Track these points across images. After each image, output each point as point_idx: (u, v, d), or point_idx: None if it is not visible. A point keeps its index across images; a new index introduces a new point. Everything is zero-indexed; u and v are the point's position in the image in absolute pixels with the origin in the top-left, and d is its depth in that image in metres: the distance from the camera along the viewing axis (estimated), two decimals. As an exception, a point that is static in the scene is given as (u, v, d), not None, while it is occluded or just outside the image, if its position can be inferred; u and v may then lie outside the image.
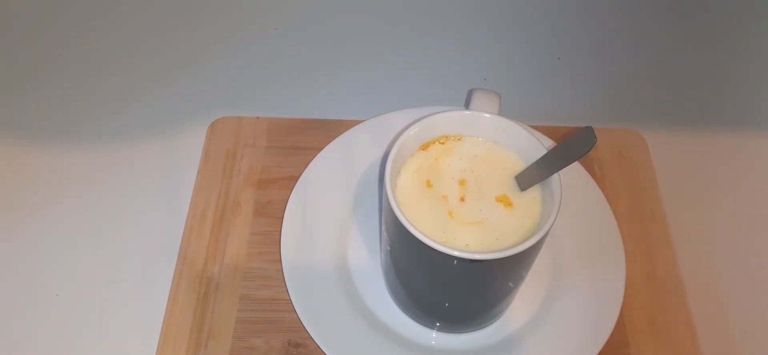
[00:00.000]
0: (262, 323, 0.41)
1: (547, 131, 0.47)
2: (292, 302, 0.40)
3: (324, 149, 0.47)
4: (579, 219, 0.44)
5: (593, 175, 0.47)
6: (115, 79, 0.57)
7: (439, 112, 0.38)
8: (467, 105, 0.39)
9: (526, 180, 0.36)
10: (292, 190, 0.45)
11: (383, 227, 0.38)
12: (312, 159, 0.47)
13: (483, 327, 0.41)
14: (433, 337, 0.41)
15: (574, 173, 0.46)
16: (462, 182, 0.37)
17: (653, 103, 0.57)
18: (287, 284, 0.41)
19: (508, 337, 0.41)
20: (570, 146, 0.33)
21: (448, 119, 0.38)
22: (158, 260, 0.45)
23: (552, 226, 0.33)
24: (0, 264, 0.45)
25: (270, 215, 0.46)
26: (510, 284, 0.37)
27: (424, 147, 0.38)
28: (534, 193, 0.36)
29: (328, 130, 0.50)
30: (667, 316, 0.42)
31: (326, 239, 0.44)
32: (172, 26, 0.61)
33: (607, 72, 0.59)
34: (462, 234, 0.35)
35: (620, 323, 0.41)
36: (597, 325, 0.40)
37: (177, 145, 0.51)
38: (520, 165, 0.37)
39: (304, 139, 0.50)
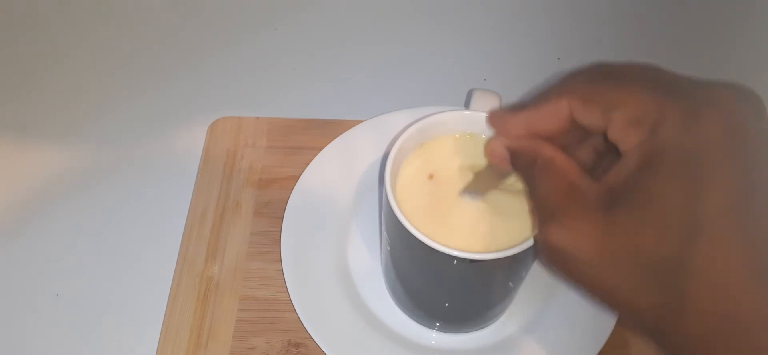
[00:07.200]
0: (262, 323, 0.41)
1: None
2: (292, 302, 0.40)
3: (324, 149, 0.47)
4: (579, 219, 0.44)
5: (593, 175, 0.47)
6: (116, 79, 0.57)
7: (439, 112, 0.38)
8: (467, 105, 0.39)
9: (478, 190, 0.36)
10: (292, 190, 0.45)
11: (383, 227, 0.37)
12: (312, 159, 0.47)
13: (483, 327, 0.41)
14: (433, 337, 0.41)
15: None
16: (462, 182, 0.37)
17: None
18: (287, 284, 0.41)
19: (508, 337, 0.41)
20: None
21: (448, 119, 0.38)
22: (158, 259, 0.45)
23: (552, 226, 0.33)
24: (0, 264, 0.45)
25: (270, 215, 0.46)
26: (510, 284, 0.37)
27: (424, 146, 0.38)
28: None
29: (328, 130, 0.50)
30: (667, 316, 0.42)
31: (326, 239, 0.44)
32: (172, 26, 0.61)
33: (607, 72, 0.59)
34: (462, 234, 0.35)
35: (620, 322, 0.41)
36: (597, 325, 0.40)
37: (177, 145, 0.51)
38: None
39: (304, 139, 0.50)
